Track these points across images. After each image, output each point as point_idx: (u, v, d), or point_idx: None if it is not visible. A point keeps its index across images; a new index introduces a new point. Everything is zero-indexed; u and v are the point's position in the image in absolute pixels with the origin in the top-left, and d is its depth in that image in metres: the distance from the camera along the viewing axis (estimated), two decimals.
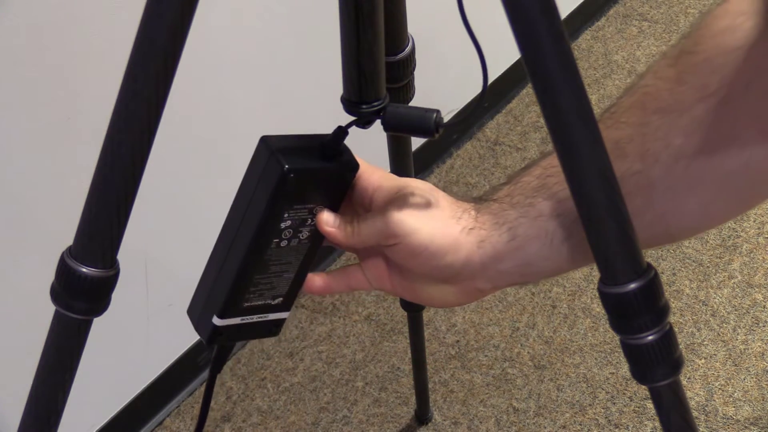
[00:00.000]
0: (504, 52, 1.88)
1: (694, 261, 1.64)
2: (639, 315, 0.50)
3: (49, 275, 0.59)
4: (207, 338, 0.60)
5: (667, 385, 0.53)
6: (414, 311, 1.21)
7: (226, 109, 1.37)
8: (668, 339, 0.51)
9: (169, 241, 1.35)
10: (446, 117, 1.81)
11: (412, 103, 0.85)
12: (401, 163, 0.97)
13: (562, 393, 1.45)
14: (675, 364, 0.52)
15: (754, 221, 1.70)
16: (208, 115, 1.33)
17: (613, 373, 1.46)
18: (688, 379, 1.44)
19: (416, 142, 0.94)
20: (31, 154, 1.10)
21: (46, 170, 1.13)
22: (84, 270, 0.56)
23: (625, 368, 1.43)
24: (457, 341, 1.54)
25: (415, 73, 0.86)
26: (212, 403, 1.48)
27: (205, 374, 1.50)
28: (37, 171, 1.12)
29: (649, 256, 1.70)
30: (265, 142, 0.55)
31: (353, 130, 0.59)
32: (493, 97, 2.05)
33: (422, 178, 0.61)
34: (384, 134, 0.68)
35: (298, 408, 1.47)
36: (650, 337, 0.51)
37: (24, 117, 1.08)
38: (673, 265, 1.64)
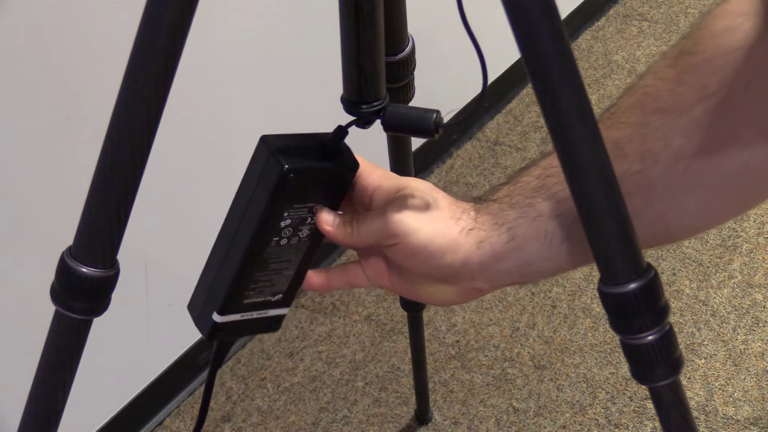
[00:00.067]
0: (504, 52, 1.88)
1: (694, 261, 1.64)
2: (639, 315, 0.50)
3: (49, 275, 0.59)
4: (207, 334, 0.60)
5: (667, 385, 0.53)
6: (414, 311, 1.21)
7: (226, 109, 1.37)
8: (668, 339, 0.51)
9: (169, 241, 1.35)
10: (446, 117, 1.80)
11: (412, 103, 0.86)
12: (401, 163, 0.97)
13: (562, 393, 1.45)
14: (675, 364, 0.52)
15: (754, 221, 1.71)
16: (208, 115, 1.33)
17: (613, 373, 1.46)
18: (688, 379, 1.44)
19: (416, 142, 0.94)
20: (31, 154, 1.10)
21: (46, 170, 1.13)
22: (84, 270, 0.56)
23: (625, 368, 1.43)
24: (457, 341, 1.54)
25: (415, 73, 0.86)
26: (212, 403, 1.48)
27: (205, 374, 1.50)
28: (37, 171, 1.12)
29: (649, 256, 1.71)
30: (265, 141, 0.56)
31: (353, 130, 0.59)
32: (493, 97, 2.05)
33: (422, 178, 0.60)
34: (384, 134, 0.68)
35: (298, 408, 1.47)
36: (650, 337, 0.51)
37: (24, 117, 1.08)
38: (673, 265, 1.64)
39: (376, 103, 0.61)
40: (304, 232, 0.58)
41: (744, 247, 1.66)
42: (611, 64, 2.16)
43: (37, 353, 0.62)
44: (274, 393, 1.49)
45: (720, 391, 1.42)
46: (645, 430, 1.38)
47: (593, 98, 1.99)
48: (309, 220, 0.58)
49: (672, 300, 1.57)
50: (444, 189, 0.60)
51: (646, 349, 0.51)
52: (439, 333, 1.56)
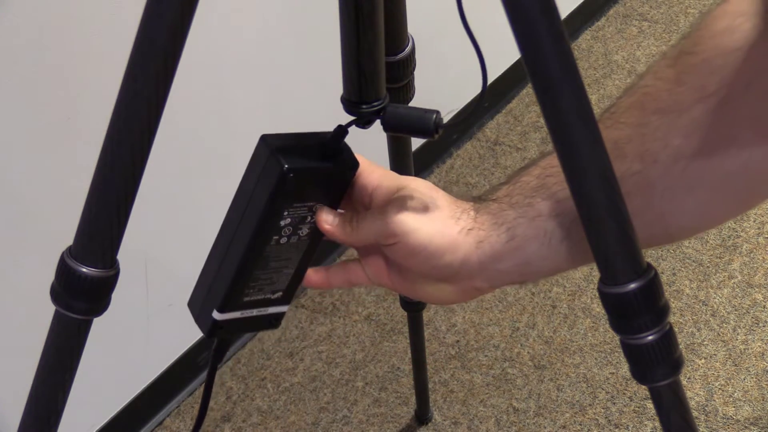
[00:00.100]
0: (504, 52, 1.88)
1: (694, 261, 1.64)
2: (639, 315, 0.50)
3: (49, 275, 0.59)
4: (207, 332, 0.61)
5: (667, 385, 0.53)
6: (414, 311, 1.21)
7: (226, 109, 1.37)
8: (668, 339, 0.51)
9: (169, 241, 1.35)
10: (446, 117, 1.80)
11: (412, 103, 0.86)
12: (401, 162, 0.97)
13: (562, 393, 1.45)
14: (675, 364, 0.52)
15: (754, 221, 1.71)
16: (208, 115, 1.34)
17: (613, 373, 1.46)
18: (688, 379, 1.44)
19: (416, 142, 0.93)
20: (31, 154, 1.10)
21: (46, 170, 1.13)
22: (84, 270, 0.56)
23: (625, 368, 1.43)
24: (457, 341, 1.54)
25: (415, 73, 0.86)
26: (212, 403, 1.48)
27: (205, 374, 1.50)
28: (37, 171, 1.12)
29: (649, 256, 1.70)
30: (265, 140, 0.56)
31: (353, 130, 0.59)
32: (493, 97, 2.05)
33: (422, 178, 0.61)
34: (384, 134, 0.68)
35: (298, 408, 1.47)
36: (650, 337, 0.51)
37: (24, 117, 1.08)
38: (673, 265, 1.64)
39: (376, 103, 0.61)
40: (304, 230, 0.58)
41: (744, 247, 1.66)
42: (611, 64, 2.16)
43: (37, 353, 0.62)
44: (274, 393, 1.49)
45: (720, 391, 1.42)
46: (645, 430, 1.38)
47: (593, 98, 1.99)
48: (309, 218, 0.58)
49: (672, 300, 1.57)
50: (444, 189, 0.60)
51: (646, 349, 0.51)
52: (439, 333, 1.56)
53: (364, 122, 0.61)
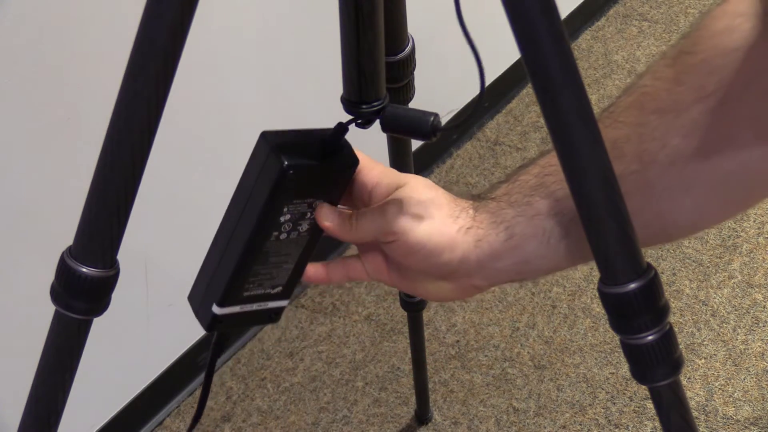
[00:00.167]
0: (504, 52, 1.88)
1: (694, 261, 1.64)
2: (639, 315, 0.50)
3: (49, 275, 0.59)
4: (206, 326, 0.61)
5: (667, 385, 0.53)
6: (414, 311, 1.21)
7: (226, 109, 1.37)
8: (668, 339, 0.51)
9: (169, 241, 1.35)
10: (446, 117, 1.79)
11: (412, 103, 0.86)
12: (401, 162, 0.97)
13: (562, 393, 1.45)
14: (675, 364, 0.52)
15: (754, 221, 1.71)
16: (208, 115, 1.34)
17: (613, 373, 1.46)
18: (688, 379, 1.44)
19: (416, 142, 0.94)
20: (31, 154, 1.10)
21: (46, 170, 1.13)
22: (84, 270, 0.56)
23: (625, 368, 1.43)
24: (457, 341, 1.54)
25: (415, 73, 0.86)
26: (212, 403, 1.48)
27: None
28: (37, 171, 1.12)
29: (649, 256, 1.70)
30: (265, 137, 0.56)
31: (353, 129, 0.59)
32: (493, 97, 2.05)
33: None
34: (384, 134, 0.68)
35: (298, 408, 1.47)
36: (650, 337, 0.51)
37: (24, 117, 1.08)
38: (673, 265, 1.64)
39: (376, 103, 0.61)
40: (304, 226, 0.59)
41: (744, 247, 1.66)
42: (611, 64, 2.16)
43: (37, 353, 0.62)
44: (274, 393, 1.49)
45: (720, 391, 1.42)
46: (645, 430, 1.38)
47: (593, 98, 1.99)
48: (309, 215, 0.58)
49: (672, 300, 1.57)
50: (444, 189, 0.60)
51: (646, 349, 0.51)
52: (439, 333, 1.56)
53: (364, 122, 0.61)
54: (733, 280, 1.60)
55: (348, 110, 0.62)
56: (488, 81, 2.01)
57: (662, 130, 0.52)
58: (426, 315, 1.55)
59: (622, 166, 0.52)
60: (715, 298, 1.57)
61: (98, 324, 0.61)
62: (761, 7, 0.49)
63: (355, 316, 1.61)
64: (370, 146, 0.67)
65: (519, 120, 2.03)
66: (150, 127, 0.52)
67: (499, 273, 0.57)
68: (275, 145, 0.55)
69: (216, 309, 0.59)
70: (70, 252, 0.57)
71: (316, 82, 1.44)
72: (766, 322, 1.52)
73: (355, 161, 0.58)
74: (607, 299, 0.51)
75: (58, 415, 0.64)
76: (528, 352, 1.52)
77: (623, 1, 2.37)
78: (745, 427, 1.37)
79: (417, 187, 0.58)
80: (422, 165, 1.88)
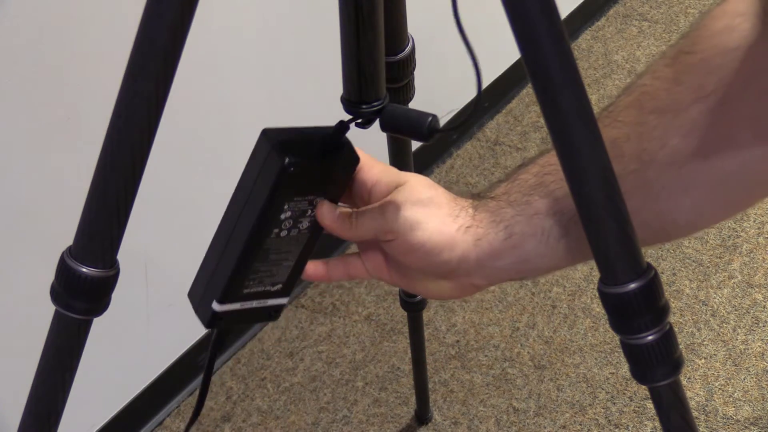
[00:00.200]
0: (504, 52, 1.87)
1: (694, 261, 1.64)
2: (639, 315, 0.50)
3: (49, 275, 0.59)
4: (206, 322, 0.61)
5: (667, 385, 0.53)
6: (414, 311, 1.21)
7: (226, 109, 1.37)
8: (668, 339, 0.51)
9: (169, 241, 1.35)
10: (446, 117, 1.79)
11: (412, 103, 0.86)
12: (401, 162, 0.97)
13: (562, 393, 1.45)
14: (675, 364, 0.52)
15: (754, 221, 1.71)
16: (208, 115, 1.34)
17: (613, 373, 1.46)
18: (688, 379, 1.44)
19: (416, 142, 0.94)
20: (31, 154, 1.10)
21: (46, 170, 1.13)
22: (84, 270, 0.56)
23: (625, 368, 1.43)
24: (457, 341, 1.54)
25: (415, 73, 0.86)
26: (212, 403, 1.48)
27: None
28: (37, 171, 1.12)
29: (649, 256, 1.70)
30: (266, 134, 0.56)
31: (354, 128, 0.59)
32: (493, 97, 2.05)
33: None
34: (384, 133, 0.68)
35: (298, 408, 1.47)
36: (650, 337, 0.51)
37: (24, 117, 1.08)
38: (673, 265, 1.64)
39: (376, 103, 0.61)
40: (304, 224, 0.59)
41: (744, 247, 1.66)
42: (611, 64, 2.16)
43: (37, 353, 0.62)
44: (274, 393, 1.49)
45: (720, 391, 1.42)
46: (645, 430, 1.38)
47: (593, 98, 1.99)
48: (309, 212, 0.58)
49: (672, 300, 1.57)
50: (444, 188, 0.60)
51: (646, 349, 0.51)
52: (439, 333, 1.56)
53: (364, 122, 0.62)
54: (733, 280, 1.60)
55: (348, 110, 0.62)
56: (488, 81, 2.01)
57: (661, 130, 0.52)
58: (426, 315, 1.55)
59: (621, 165, 0.52)
60: (715, 298, 1.57)
61: (98, 324, 0.61)
62: (760, 6, 0.49)
63: (355, 316, 1.61)
64: (370, 146, 0.67)
65: (519, 120, 2.03)
66: (150, 127, 0.52)
67: (499, 272, 0.57)
68: (276, 143, 0.55)
69: (216, 306, 0.59)
70: (70, 252, 0.57)
71: (316, 82, 1.44)
72: (766, 322, 1.52)
73: (355, 159, 0.59)
74: (607, 299, 0.51)
75: (58, 415, 0.64)
76: (528, 352, 1.52)
77: (623, 1, 2.37)
78: (745, 427, 1.37)
79: (417, 186, 0.58)
80: (422, 165, 1.88)
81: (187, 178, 1.34)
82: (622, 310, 0.51)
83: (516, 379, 1.48)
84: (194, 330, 1.47)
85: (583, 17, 2.28)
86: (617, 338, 0.53)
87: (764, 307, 1.55)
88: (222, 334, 0.65)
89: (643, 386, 0.53)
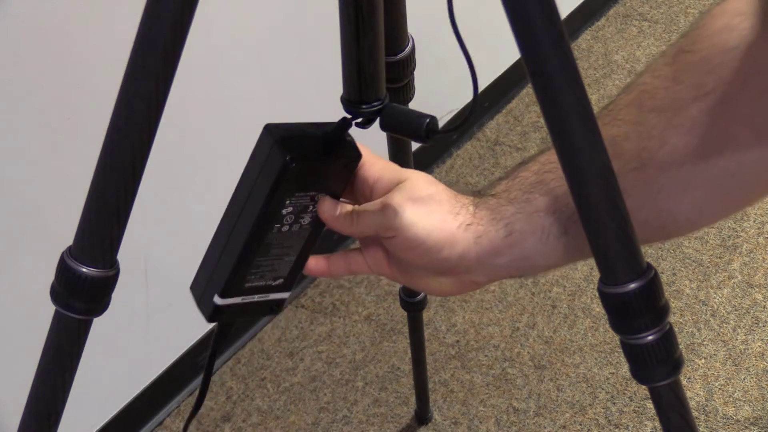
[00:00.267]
0: (504, 52, 1.88)
1: (694, 261, 1.64)
2: (639, 315, 0.50)
3: (49, 275, 0.59)
4: (208, 316, 0.61)
5: (667, 385, 0.53)
6: (414, 311, 1.21)
7: (226, 109, 1.37)
8: (668, 339, 0.51)
9: (169, 241, 1.35)
10: (447, 117, 1.78)
11: (412, 104, 0.86)
12: (401, 162, 0.96)
13: (562, 393, 1.45)
14: (675, 364, 0.52)
15: (754, 221, 1.71)
16: (208, 115, 1.34)
17: (613, 373, 1.46)
18: (688, 379, 1.44)
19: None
20: (31, 154, 1.10)
21: (46, 170, 1.13)
22: (84, 270, 0.56)
23: (625, 368, 1.43)
24: (457, 341, 1.54)
25: (415, 73, 0.86)
26: (212, 403, 1.48)
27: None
28: (37, 171, 1.12)
29: (649, 256, 1.70)
30: (269, 130, 0.56)
31: (354, 128, 0.59)
32: (493, 97, 2.05)
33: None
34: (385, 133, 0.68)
35: (298, 408, 1.47)
36: (650, 337, 0.51)
37: (24, 117, 1.08)
38: (673, 265, 1.64)
39: (376, 103, 0.61)
40: (306, 219, 0.59)
41: (744, 247, 1.66)
42: (611, 64, 2.16)
43: (37, 353, 0.62)
44: (274, 393, 1.49)
45: (720, 391, 1.42)
46: (645, 430, 1.38)
47: (593, 98, 1.99)
48: (311, 208, 0.58)
49: (672, 300, 1.57)
50: None
51: (646, 349, 0.51)
52: (439, 333, 1.56)
53: (364, 122, 0.62)
54: (733, 280, 1.60)
55: (348, 110, 0.62)
56: (488, 81, 2.01)
57: (661, 128, 0.52)
58: (426, 315, 1.55)
59: (620, 163, 0.52)
60: (715, 298, 1.57)
61: (98, 324, 0.61)
62: (760, 6, 0.49)
63: (355, 316, 1.61)
64: (369, 145, 0.67)
65: (519, 120, 2.03)
66: (150, 127, 0.52)
67: (499, 269, 0.57)
68: (278, 139, 0.55)
69: (218, 300, 0.60)
70: (70, 252, 0.57)
71: (316, 82, 1.44)
72: (766, 322, 1.52)
73: (357, 155, 0.59)
74: (607, 299, 0.51)
75: (58, 415, 0.64)
76: (528, 352, 1.52)
77: (623, 1, 2.37)
78: (745, 427, 1.37)
79: (418, 183, 0.58)
80: (422, 165, 1.88)
81: (187, 178, 1.34)
82: (622, 310, 0.51)
83: (516, 379, 1.48)
84: (194, 330, 1.47)
85: (583, 17, 2.28)
86: (617, 338, 0.53)
87: (764, 307, 1.55)
88: (224, 328, 0.65)
89: (643, 386, 0.53)
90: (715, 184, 0.52)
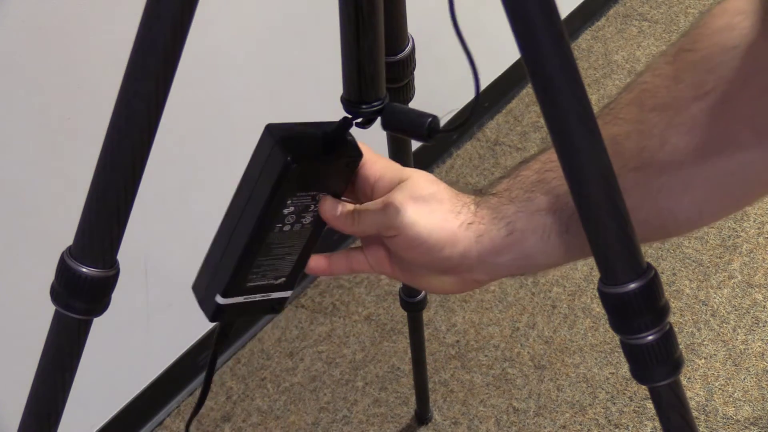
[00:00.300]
0: (504, 52, 1.87)
1: (694, 261, 1.64)
2: (639, 315, 0.50)
3: (49, 275, 0.59)
4: (210, 315, 0.61)
5: (667, 385, 0.53)
6: (414, 311, 1.21)
7: (226, 109, 1.37)
8: (668, 339, 0.51)
9: (169, 241, 1.35)
10: (447, 117, 1.78)
11: (412, 103, 0.86)
12: (401, 161, 0.96)
13: (562, 393, 1.45)
14: (675, 364, 0.52)
15: (754, 221, 1.71)
16: (208, 115, 1.33)
17: (613, 373, 1.46)
18: (688, 379, 1.44)
19: (416, 141, 0.94)
20: (31, 154, 1.10)
21: (46, 170, 1.13)
22: (84, 270, 0.56)
23: (625, 368, 1.43)
24: (457, 341, 1.54)
25: (415, 73, 0.86)
26: (212, 403, 1.48)
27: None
28: (37, 171, 1.12)
29: (649, 256, 1.70)
30: (270, 130, 0.56)
31: (354, 128, 0.59)
32: (493, 97, 2.05)
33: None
34: (385, 132, 0.68)
35: (298, 408, 1.47)
36: (650, 337, 0.51)
37: (24, 117, 1.08)
38: (673, 265, 1.64)
39: (376, 103, 0.61)
40: (307, 219, 0.59)
41: (744, 247, 1.66)
42: (611, 64, 2.16)
43: (37, 353, 0.62)
44: (274, 393, 1.49)
45: (720, 391, 1.42)
46: (645, 430, 1.38)
47: (593, 98, 1.99)
48: (312, 207, 0.58)
49: (672, 300, 1.57)
50: None
51: (646, 349, 0.51)
52: (439, 333, 1.56)
53: (364, 122, 0.62)
54: (733, 280, 1.60)
55: (348, 110, 0.62)
56: (488, 81, 2.01)
57: (661, 127, 0.52)
58: (426, 315, 1.55)
59: (621, 162, 0.52)
60: (715, 298, 1.57)
61: (98, 324, 0.61)
62: (760, 5, 0.49)
63: (355, 316, 1.61)
64: (370, 145, 0.67)
65: (519, 120, 2.03)
66: (150, 127, 0.52)
67: (500, 268, 0.57)
68: (280, 138, 0.55)
69: (220, 299, 0.60)
70: (70, 252, 0.57)
71: (316, 82, 1.44)
72: (766, 322, 1.52)
73: (358, 155, 0.59)
74: (607, 299, 0.51)
75: (58, 415, 0.64)
76: (528, 352, 1.52)
77: (623, 1, 2.37)
78: (745, 427, 1.37)
79: (419, 182, 0.58)
80: (422, 165, 1.88)
81: (187, 178, 1.34)
82: (622, 310, 0.51)
83: (516, 379, 1.48)
84: (194, 330, 1.47)
85: (583, 17, 2.28)
86: (617, 338, 0.53)
87: (764, 307, 1.55)
88: (226, 327, 0.65)
89: (643, 386, 0.53)
90: (716, 183, 0.52)
